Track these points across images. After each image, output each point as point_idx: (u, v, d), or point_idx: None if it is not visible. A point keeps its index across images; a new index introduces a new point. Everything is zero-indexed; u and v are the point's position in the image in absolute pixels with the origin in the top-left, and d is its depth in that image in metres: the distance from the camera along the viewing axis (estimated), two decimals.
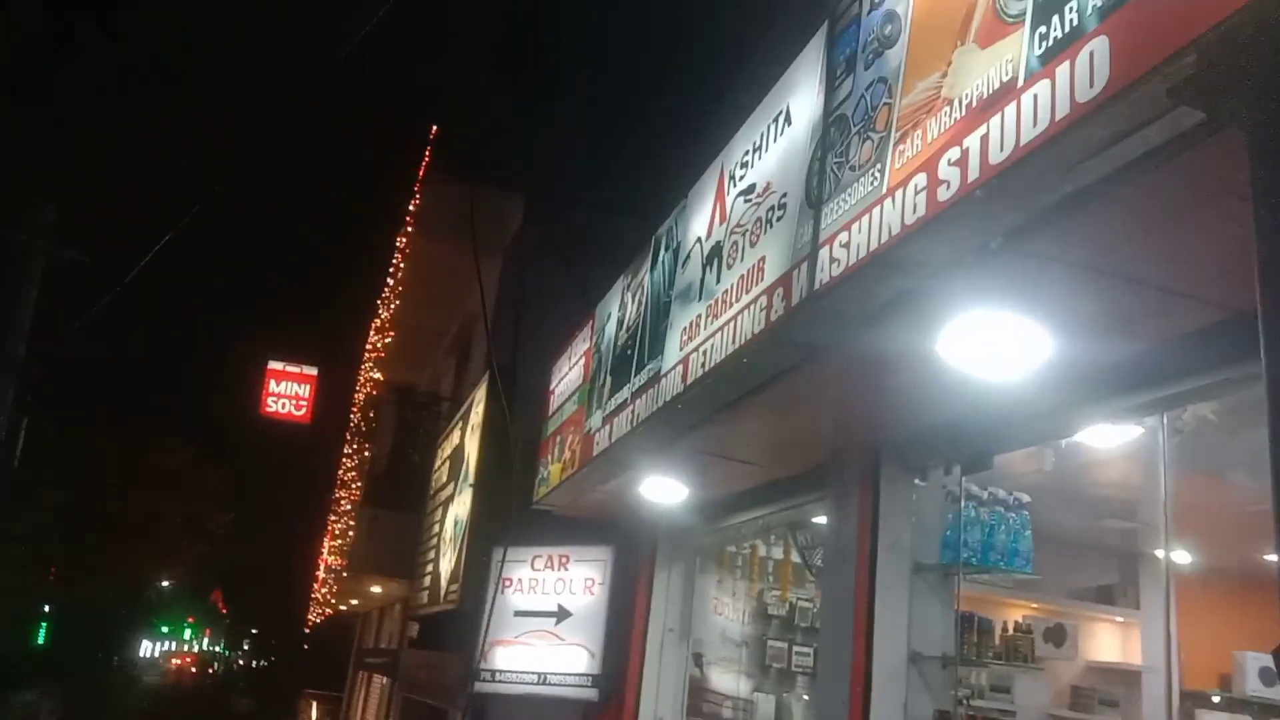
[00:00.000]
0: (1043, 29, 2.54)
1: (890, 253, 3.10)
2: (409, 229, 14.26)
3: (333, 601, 16.76)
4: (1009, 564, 5.19)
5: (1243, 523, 5.47)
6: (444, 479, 11.29)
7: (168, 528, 35.66)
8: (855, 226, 3.30)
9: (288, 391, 17.38)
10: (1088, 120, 2.31)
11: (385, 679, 15.09)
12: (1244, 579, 6.62)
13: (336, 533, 15.03)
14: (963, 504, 4.99)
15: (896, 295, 3.31)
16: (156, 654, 74.57)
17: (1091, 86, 2.30)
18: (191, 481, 35.92)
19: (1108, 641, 7.25)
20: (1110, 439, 4.49)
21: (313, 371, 17.74)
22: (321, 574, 16.64)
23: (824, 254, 3.49)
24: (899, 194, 3.07)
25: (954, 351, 3.54)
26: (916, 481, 5.02)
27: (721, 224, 4.75)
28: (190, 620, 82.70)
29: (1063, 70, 2.41)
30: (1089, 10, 2.37)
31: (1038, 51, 2.54)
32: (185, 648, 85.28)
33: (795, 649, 7.76)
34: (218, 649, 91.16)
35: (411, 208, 14.34)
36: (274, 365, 17.75)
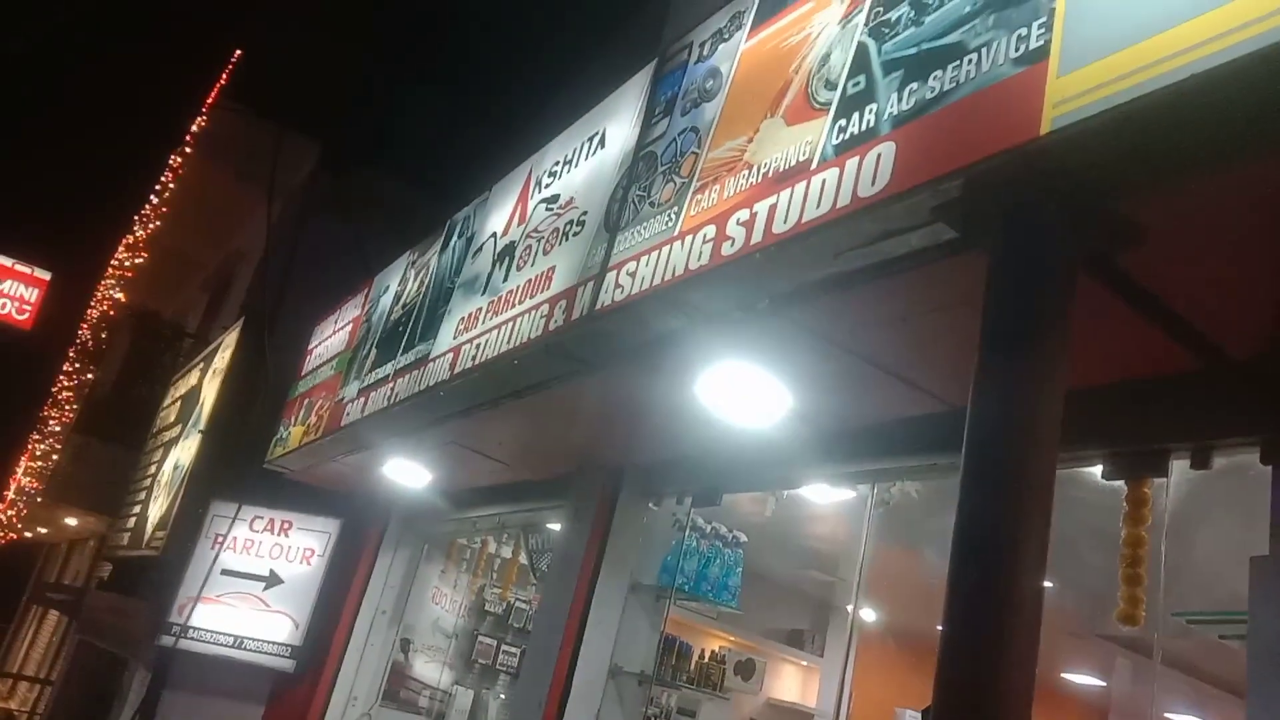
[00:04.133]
0: (843, 122, 2.80)
1: (670, 291, 3.27)
2: (187, 150, 13.36)
3: (18, 526, 15.30)
4: (717, 596, 5.53)
5: (922, 593, 6.11)
6: (172, 419, 10.62)
7: None
8: (644, 259, 3.46)
9: (11, 291, 15.72)
10: (863, 214, 2.56)
11: (64, 618, 13.93)
12: (915, 643, 7.36)
13: (37, 453, 13.75)
14: (687, 533, 5.29)
15: (668, 332, 3.50)
16: None
17: (873, 184, 2.55)
18: None
19: (790, 682, 7.83)
20: (825, 498, 4.90)
21: (45, 275, 16.15)
22: (10, 494, 15.14)
23: (610, 278, 3.64)
24: (688, 239, 3.25)
25: (708, 393, 3.77)
26: (650, 505, 5.26)
27: (520, 225, 4.82)
28: None
29: (852, 163, 2.66)
30: (885, 116, 2.63)
31: (835, 141, 2.79)
32: None
33: (504, 647, 7.90)
34: None
35: (195, 128, 13.45)
36: None
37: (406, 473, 6.28)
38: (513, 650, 7.88)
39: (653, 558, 5.27)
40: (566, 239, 4.22)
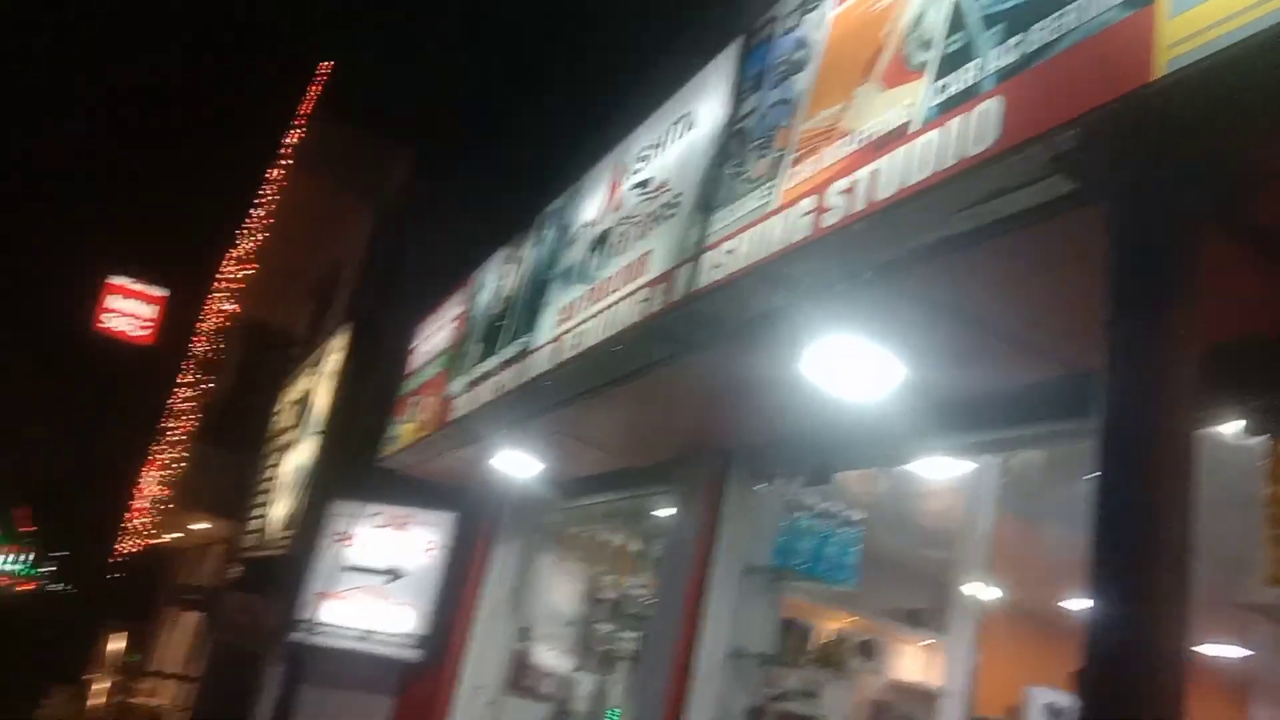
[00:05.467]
0: (943, 81, 2.70)
1: (771, 266, 3.22)
2: (286, 162, 13.77)
3: (153, 532, 16.08)
4: (835, 576, 5.43)
5: (1049, 568, 5.91)
6: (286, 423, 10.99)
7: None
8: (742, 236, 3.41)
9: (130, 310, 16.49)
10: (971, 173, 2.47)
11: (198, 616, 14.58)
12: (1042, 620, 7.13)
13: (165, 463, 14.42)
14: (799, 513, 5.21)
15: (770, 309, 3.44)
16: None
17: (981, 142, 2.45)
18: None
19: (912, 661, 7.67)
20: (943, 472, 4.76)
21: (162, 293, 16.91)
22: (144, 504, 15.93)
23: (708, 258, 3.60)
24: (787, 212, 3.19)
25: (814, 369, 3.69)
26: (761, 487, 5.20)
27: (613, 212, 4.81)
28: None
29: (956, 122, 2.57)
30: (989, 72, 2.53)
31: (936, 101, 2.69)
32: None
33: (621, 634, 7.92)
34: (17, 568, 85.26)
35: (293, 141, 13.85)
36: (117, 281, 16.77)
37: (515, 464, 6.34)
38: (630, 636, 7.91)
39: (765, 539, 5.21)
40: (661, 222, 4.20)
